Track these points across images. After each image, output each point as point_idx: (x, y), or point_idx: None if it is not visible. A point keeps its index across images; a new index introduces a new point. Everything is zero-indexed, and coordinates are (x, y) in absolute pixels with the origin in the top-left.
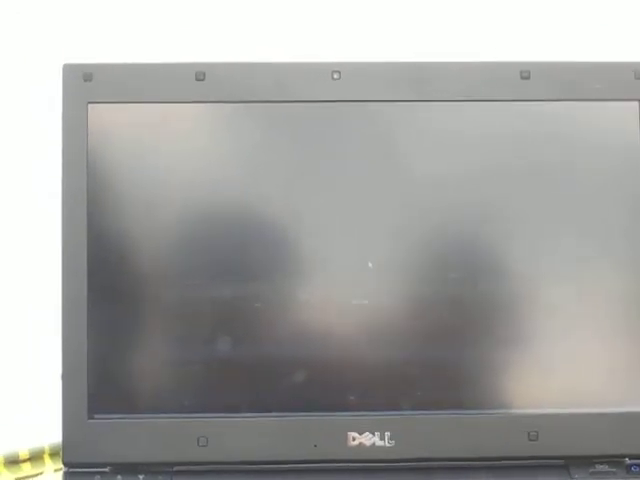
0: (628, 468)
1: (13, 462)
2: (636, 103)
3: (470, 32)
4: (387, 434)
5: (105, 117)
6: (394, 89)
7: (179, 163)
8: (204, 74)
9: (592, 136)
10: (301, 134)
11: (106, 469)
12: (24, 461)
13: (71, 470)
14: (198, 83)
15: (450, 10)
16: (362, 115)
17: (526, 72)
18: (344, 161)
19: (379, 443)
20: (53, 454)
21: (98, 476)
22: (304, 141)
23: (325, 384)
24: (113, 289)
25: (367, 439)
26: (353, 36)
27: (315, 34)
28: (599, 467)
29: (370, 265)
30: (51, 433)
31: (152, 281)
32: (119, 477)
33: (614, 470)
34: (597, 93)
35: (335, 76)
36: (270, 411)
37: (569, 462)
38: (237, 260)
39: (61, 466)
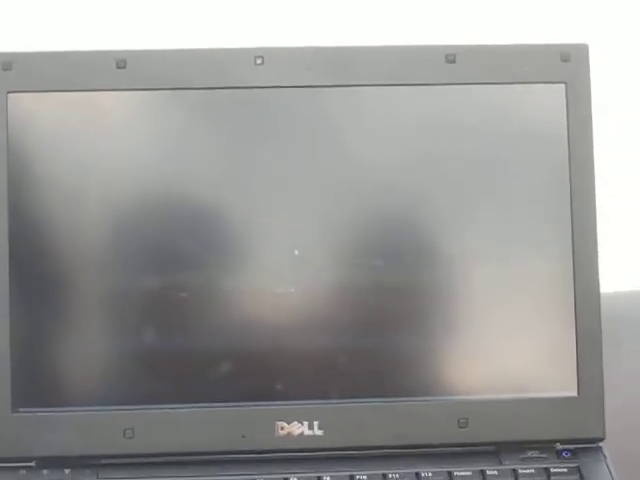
0: (559, 453)
1: None
2: (563, 85)
3: (394, 15)
4: (316, 423)
5: (25, 106)
6: (318, 74)
7: (102, 151)
8: (125, 61)
9: (519, 119)
10: (224, 121)
11: (32, 463)
12: None
13: None
14: (119, 71)
15: None
16: (286, 100)
17: (451, 55)
18: (269, 148)
19: (308, 432)
20: None
21: (23, 471)
22: (228, 128)
23: (252, 374)
24: (36, 280)
25: (296, 428)
26: (276, 20)
27: (237, 18)
28: (530, 453)
29: (296, 252)
30: None
31: (77, 271)
32: (45, 472)
33: (545, 455)
34: (524, 76)
35: (258, 61)
36: (197, 402)
37: (500, 448)
38: (163, 249)
39: None
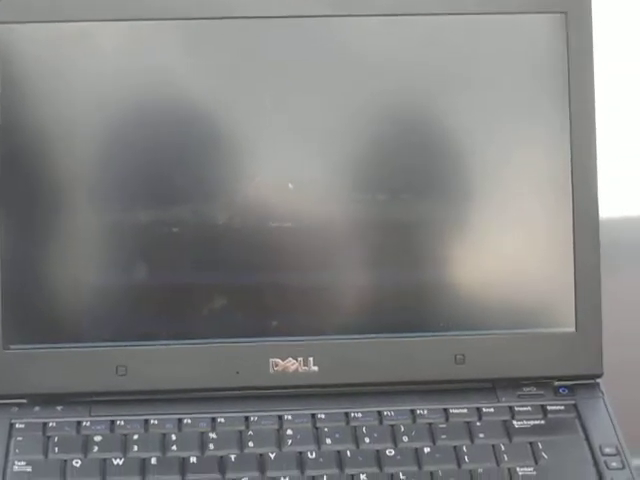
0: (556, 390)
1: None
2: (563, 16)
3: None
4: (310, 359)
5: (15, 38)
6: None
7: (93, 80)
8: None
9: (518, 49)
10: (222, 50)
11: (23, 400)
12: None
13: None
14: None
15: None
16: (286, 28)
17: None
18: (263, 78)
19: (302, 369)
20: None
21: (15, 408)
22: (224, 57)
23: (246, 310)
24: (25, 215)
25: (290, 364)
26: None
27: None
28: (526, 389)
29: (290, 186)
30: None
31: (67, 204)
32: (37, 408)
33: (542, 392)
34: (523, 6)
35: None
36: (190, 338)
37: (496, 384)
38: (155, 182)
39: None
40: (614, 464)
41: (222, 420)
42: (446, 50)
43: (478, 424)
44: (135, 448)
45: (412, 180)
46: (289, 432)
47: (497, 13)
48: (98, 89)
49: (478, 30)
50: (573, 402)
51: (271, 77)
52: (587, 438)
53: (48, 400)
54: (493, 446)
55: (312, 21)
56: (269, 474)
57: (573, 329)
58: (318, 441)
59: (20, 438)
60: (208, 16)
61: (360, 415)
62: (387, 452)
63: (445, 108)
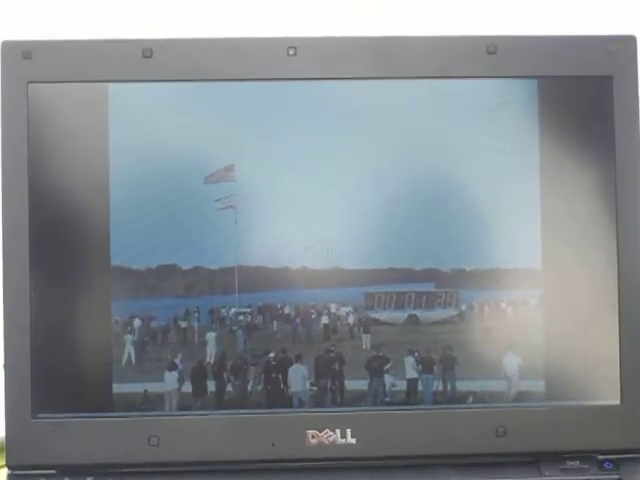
0: (600, 464)
1: None
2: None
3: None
4: (348, 431)
5: (46, 97)
6: (352, 65)
7: (121, 142)
8: (151, 51)
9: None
10: (255, 113)
11: (52, 471)
12: None
13: (15, 472)
14: (145, 60)
15: None
16: (319, 93)
17: (492, 47)
18: (300, 139)
19: (340, 441)
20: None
21: (43, 479)
22: (259, 119)
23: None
24: (56, 286)
25: (327, 437)
26: (309, 9)
27: (269, 7)
28: (570, 463)
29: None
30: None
31: (97, 271)
32: (66, 479)
33: (586, 466)
34: (569, 69)
35: (291, 52)
36: (224, 409)
37: (539, 458)
38: (185, 251)
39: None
40: None
41: None
42: (482, 114)
43: None
44: None
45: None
46: None
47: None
48: (126, 148)
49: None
50: (618, 477)
51: (307, 140)
52: None
53: (78, 471)
54: None
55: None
56: None
57: (618, 401)
58: None
59: None
60: (237, 77)
61: None
62: None
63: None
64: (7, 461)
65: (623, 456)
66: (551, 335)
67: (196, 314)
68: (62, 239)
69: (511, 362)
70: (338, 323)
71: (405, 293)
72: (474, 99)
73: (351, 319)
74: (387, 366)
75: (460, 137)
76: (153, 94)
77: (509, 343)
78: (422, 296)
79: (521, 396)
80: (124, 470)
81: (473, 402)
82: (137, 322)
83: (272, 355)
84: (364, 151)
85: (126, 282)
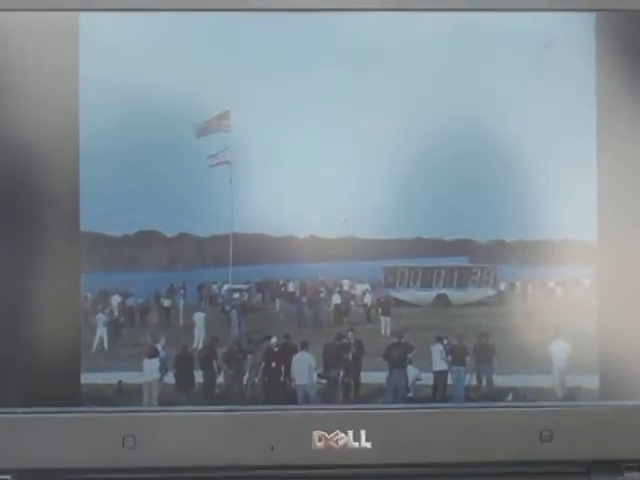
0: None
1: None
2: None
3: None
4: (362, 433)
5: (8, 26)
6: None
7: (96, 80)
8: None
9: None
10: (255, 49)
11: (7, 477)
12: None
13: None
14: None
15: None
16: (332, 27)
17: None
18: (309, 81)
19: (352, 445)
20: None
21: None
22: (259, 57)
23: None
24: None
25: (337, 439)
26: None
27: None
28: (628, 474)
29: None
30: None
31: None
32: None
33: None
34: None
35: None
36: (213, 404)
37: (591, 468)
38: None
39: None
40: None
41: None
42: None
43: None
44: None
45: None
46: None
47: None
48: (101, 91)
49: None
50: None
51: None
52: None
53: (37, 477)
54: None
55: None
56: None
57: None
58: None
59: None
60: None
61: None
62: None
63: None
64: None
65: None
66: (607, 321)
67: (182, 291)
68: (20, 198)
69: (559, 353)
70: (352, 303)
71: (433, 268)
72: (521, 36)
73: (368, 299)
74: (410, 355)
75: (501, 83)
76: (131, 25)
77: (557, 330)
78: (453, 272)
79: (571, 393)
80: (94, 476)
81: (513, 400)
82: (111, 299)
83: (273, 341)
84: (385, 98)
85: (98, 251)
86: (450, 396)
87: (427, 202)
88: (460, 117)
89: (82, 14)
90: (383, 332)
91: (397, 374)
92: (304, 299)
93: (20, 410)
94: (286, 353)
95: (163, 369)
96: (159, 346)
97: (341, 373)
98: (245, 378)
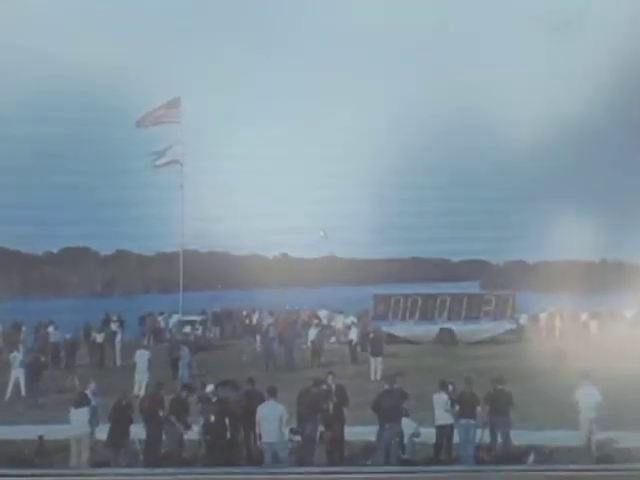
0: None
1: None
2: None
3: None
4: None
5: None
6: None
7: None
8: None
9: None
10: (213, 22)
11: None
12: None
13: None
14: None
15: None
16: None
17: None
18: (280, 60)
19: None
20: None
21: None
22: (217, 31)
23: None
24: None
25: None
26: None
27: None
28: None
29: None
30: None
31: None
32: None
33: None
34: None
35: None
36: (159, 466)
37: None
38: None
39: None
40: None
41: None
42: None
43: None
44: None
45: None
46: None
47: None
48: (15, 68)
49: None
50: None
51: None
52: None
53: None
54: None
55: None
56: None
57: None
58: None
59: None
60: None
61: None
62: None
63: None
64: None
65: None
66: None
67: (118, 323)
68: None
69: (594, 405)
70: (333, 340)
71: (436, 296)
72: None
73: (353, 334)
74: (406, 405)
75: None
76: None
77: (590, 375)
78: (461, 301)
79: (609, 454)
80: None
81: (535, 462)
82: (28, 333)
83: (233, 387)
84: (373, 82)
85: (12, 272)
86: (457, 457)
87: (428, 215)
88: (468, 106)
89: None
90: (372, 376)
91: (390, 429)
92: (273, 334)
93: None
94: (250, 402)
95: (94, 421)
96: (89, 392)
97: (319, 428)
98: (197, 434)
